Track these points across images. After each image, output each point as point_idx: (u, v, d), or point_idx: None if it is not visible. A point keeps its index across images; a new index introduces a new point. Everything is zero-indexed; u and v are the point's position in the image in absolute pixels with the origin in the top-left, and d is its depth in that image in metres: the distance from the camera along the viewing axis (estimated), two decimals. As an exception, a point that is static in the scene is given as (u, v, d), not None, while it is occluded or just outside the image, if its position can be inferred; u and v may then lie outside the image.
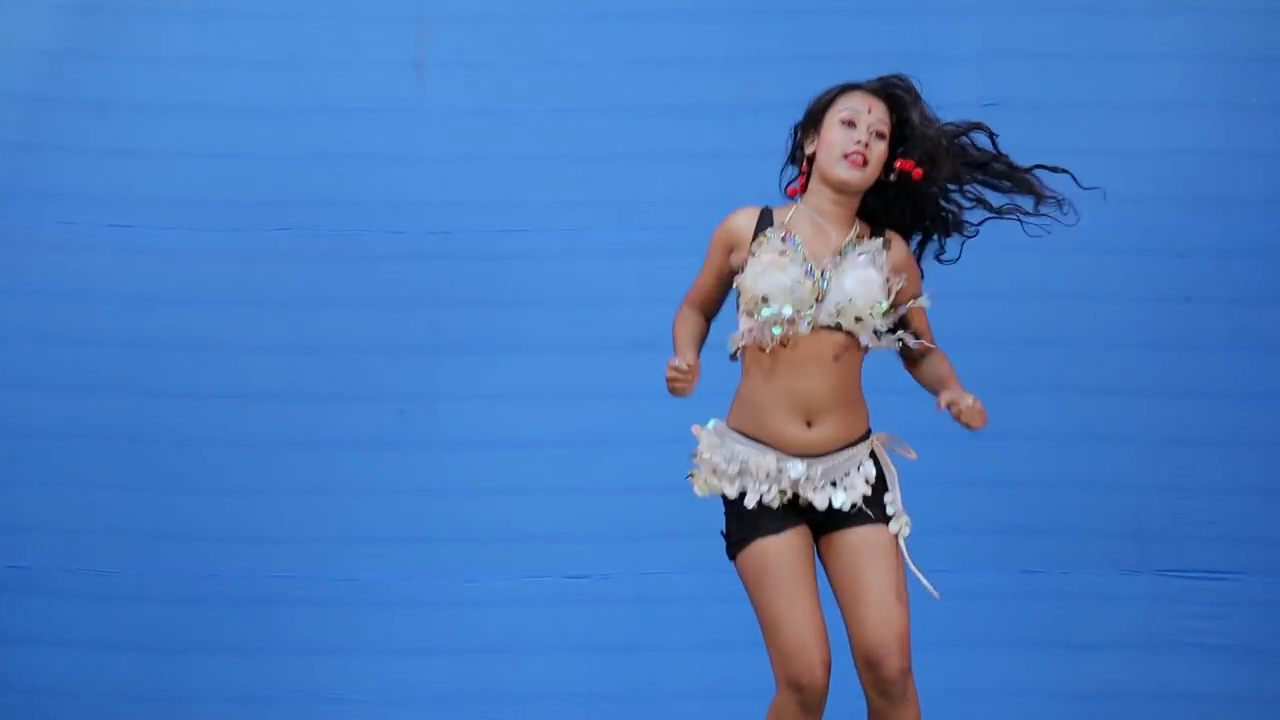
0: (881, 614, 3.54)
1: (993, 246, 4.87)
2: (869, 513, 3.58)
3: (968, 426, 3.63)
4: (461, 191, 5.23)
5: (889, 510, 3.62)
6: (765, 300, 3.54)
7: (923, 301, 3.70)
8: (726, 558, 3.68)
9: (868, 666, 3.54)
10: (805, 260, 3.58)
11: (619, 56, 5.21)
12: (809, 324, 3.52)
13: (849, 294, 3.56)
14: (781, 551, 3.51)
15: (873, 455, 3.63)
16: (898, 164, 3.63)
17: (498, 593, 5.18)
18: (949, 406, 3.60)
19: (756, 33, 5.22)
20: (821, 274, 3.57)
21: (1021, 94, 5.24)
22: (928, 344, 3.71)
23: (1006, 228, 4.97)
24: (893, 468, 3.66)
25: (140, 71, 5.27)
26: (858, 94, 3.64)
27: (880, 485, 3.62)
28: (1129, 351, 5.19)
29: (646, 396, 4.98)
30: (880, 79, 3.69)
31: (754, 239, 3.61)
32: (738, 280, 3.62)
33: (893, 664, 3.55)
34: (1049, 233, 3.97)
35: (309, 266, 5.28)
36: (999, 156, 3.88)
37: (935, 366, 3.73)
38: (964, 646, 5.13)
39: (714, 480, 3.66)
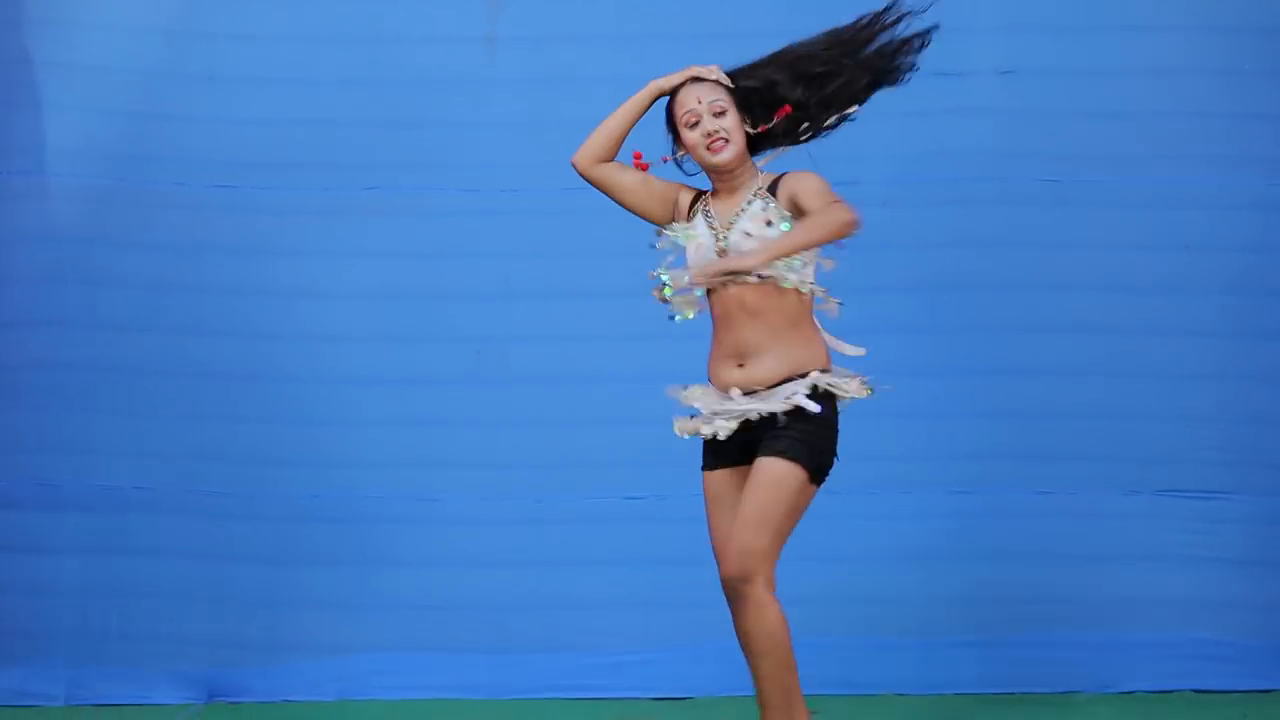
0: (737, 528, 3.66)
1: (1013, 202, 5.18)
2: (775, 444, 3.65)
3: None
4: (528, 154, 5.25)
5: (799, 438, 3.65)
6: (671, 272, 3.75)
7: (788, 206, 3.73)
8: None
9: (725, 583, 3.73)
10: (713, 229, 3.73)
11: (670, 31, 5.20)
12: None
13: (740, 248, 3.67)
14: (711, 483, 3.75)
15: (815, 389, 3.68)
16: (765, 126, 3.74)
17: (563, 512, 5.25)
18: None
19: (794, 6, 5.11)
20: (725, 235, 3.71)
21: (1034, 62, 5.27)
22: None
23: (1023, 191, 5.18)
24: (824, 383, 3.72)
25: (243, 48, 5.31)
26: (683, 91, 3.76)
27: (804, 418, 3.66)
28: (1134, 296, 5.23)
29: (697, 337, 5.14)
30: (688, 69, 3.81)
31: (689, 212, 3.80)
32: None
33: (727, 567, 3.68)
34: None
35: (392, 221, 5.32)
36: (831, 44, 3.89)
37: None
38: (984, 559, 5.22)
39: (689, 424, 3.81)
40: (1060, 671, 5.17)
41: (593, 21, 5.31)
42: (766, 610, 3.64)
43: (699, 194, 3.84)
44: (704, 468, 3.81)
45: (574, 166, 3.91)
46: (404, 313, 5.32)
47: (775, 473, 3.62)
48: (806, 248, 3.64)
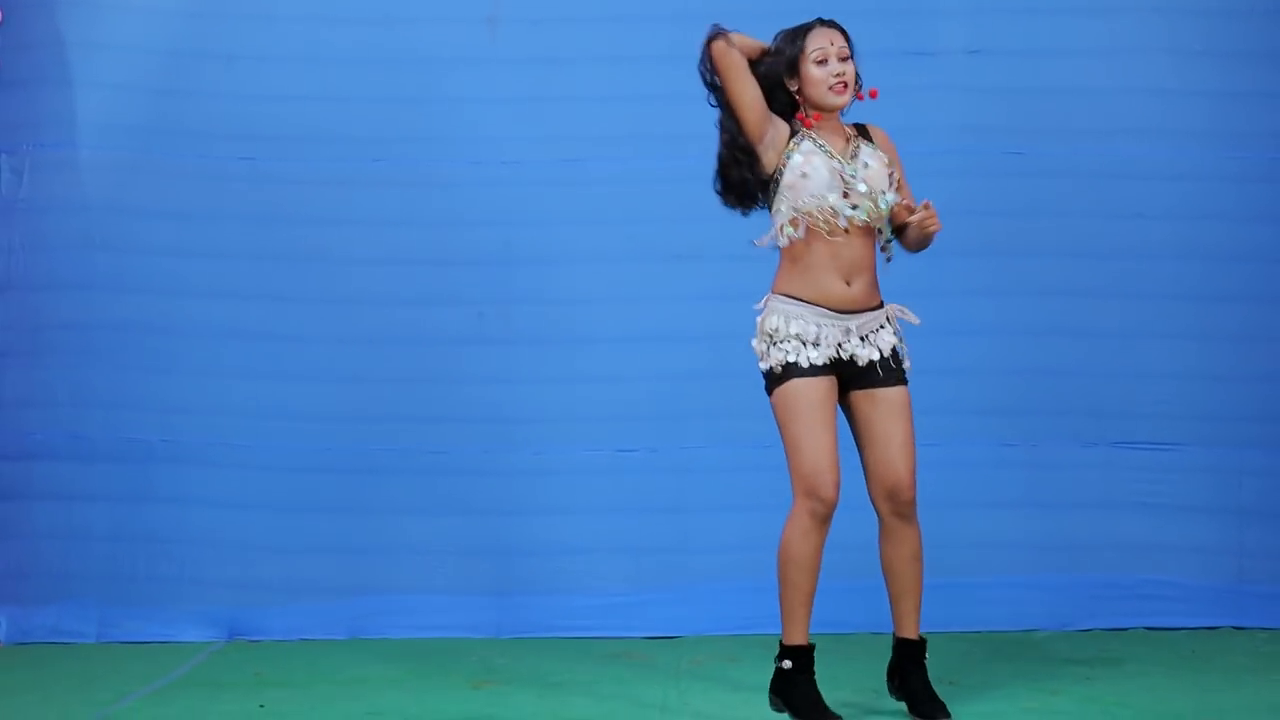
0: (903, 456, 3.98)
1: (980, 173, 5.27)
2: (893, 372, 3.95)
3: (927, 229, 3.94)
4: (528, 128, 5.33)
5: (906, 373, 4.00)
6: (830, 196, 3.86)
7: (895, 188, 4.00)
8: (765, 394, 3.97)
9: (888, 497, 3.97)
10: (833, 158, 3.93)
11: (661, 13, 5.26)
12: (851, 209, 3.89)
13: (860, 175, 3.92)
14: (814, 391, 3.87)
15: (888, 320, 4.01)
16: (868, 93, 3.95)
17: (560, 464, 5.31)
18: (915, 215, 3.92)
19: None
20: (845, 168, 3.91)
21: (1001, 42, 5.35)
22: (909, 205, 4.00)
23: (989, 163, 5.29)
24: (901, 331, 4.04)
25: (261, 28, 5.35)
26: (815, 32, 3.94)
27: (896, 351, 3.99)
28: (1091, 260, 5.32)
29: (685, 300, 5.24)
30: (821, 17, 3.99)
31: (789, 140, 3.93)
32: (789, 170, 3.88)
33: (909, 494, 3.99)
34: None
35: (401, 191, 5.37)
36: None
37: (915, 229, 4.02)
38: (951, 507, 5.19)
39: (773, 341, 3.92)
40: (1021, 611, 5.23)
41: (588, 4, 5.35)
42: (919, 528, 4.03)
43: (793, 128, 3.97)
44: (796, 374, 3.87)
45: (714, 50, 3.93)
46: (411, 277, 5.36)
47: (905, 399, 3.99)
48: (922, 245, 4.06)
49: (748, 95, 3.91)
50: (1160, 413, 5.31)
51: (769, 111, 3.95)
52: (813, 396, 3.87)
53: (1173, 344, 5.31)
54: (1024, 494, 5.29)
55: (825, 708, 3.94)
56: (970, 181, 5.32)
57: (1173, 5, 5.29)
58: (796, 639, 3.95)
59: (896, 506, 3.97)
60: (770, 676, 4.04)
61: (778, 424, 3.95)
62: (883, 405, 3.97)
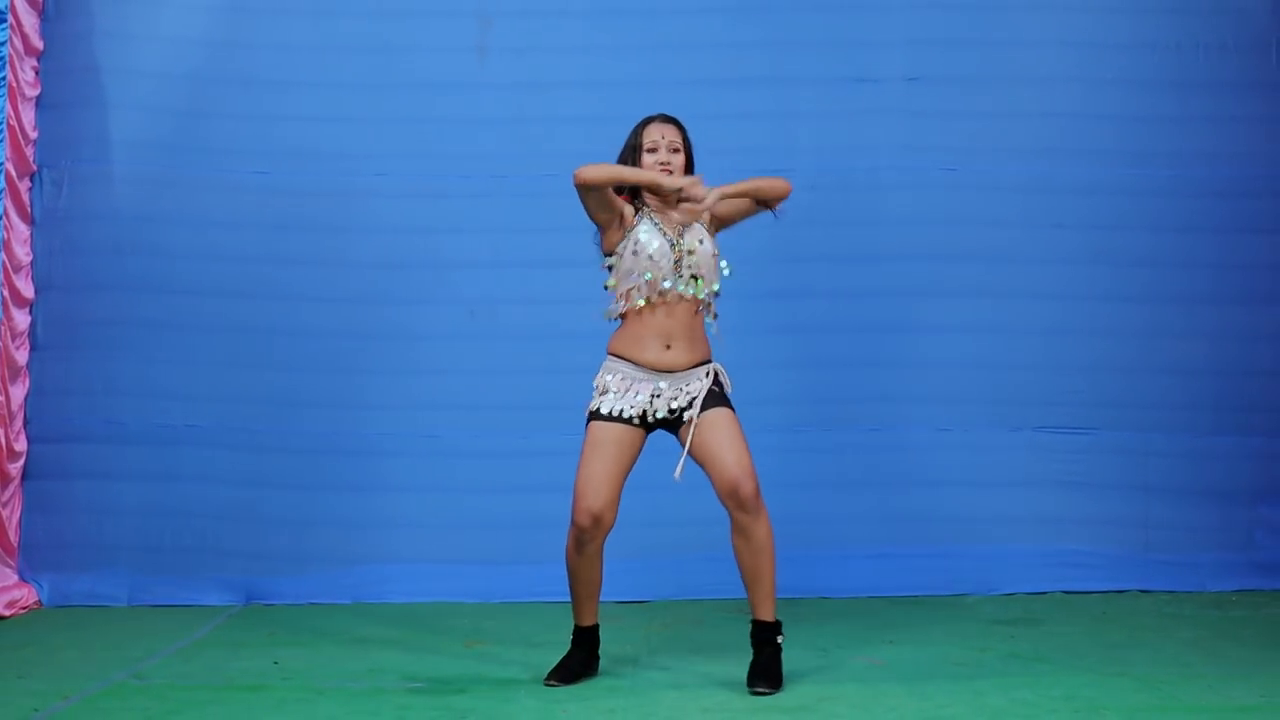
0: (735, 456, 3.94)
1: (917, 187, 5.32)
2: (713, 397, 3.94)
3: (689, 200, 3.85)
4: (513, 146, 5.37)
5: (728, 396, 3.97)
6: (649, 266, 3.88)
7: (709, 202, 3.93)
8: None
9: (730, 496, 3.92)
10: (666, 235, 3.97)
11: (632, 43, 5.37)
12: (671, 284, 3.91)
13: (700, 266, 3.95)
14: (605, 432, 3.91)
15: (710, 374, 4.01)
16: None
17: (544, 446, 5.33)
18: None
19: (731, 23, 5.36)
20: (677, 243, 3.94)
21: (936, 70, 5.43)
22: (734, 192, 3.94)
23: (925, 178, 5.31)
24: (725, 383, 4.02)
25: (274, 56, 5.41)
26: (652, 125, 4.01)
27: (719, 386, 3.99)
28: (1016, 266, 5.41)
29: None
30: (660, 115, 4.02)
31: (634, 217, 3.98)
32: (621, 248, 3.91)
33: (749, 487, 3.93)
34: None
35: (399, 203, 5.42)
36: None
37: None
38: (888, 486, 5.36)
39: (597, 390, 3.98)
40: (952, 578, 5.33)
41: (568, 35, 5.40)
42: (769, 519, 3.95)
43: (635, 206, 4.04)
44: (600, 418, 3.95)
45: (578, 179, 3.98)
46: (409, 279, 5.40)
47: (729, 416, 3.94)
48: (757, 193, 3.98)
49: (606, 206, 3.98)
50: (1076, 401, 5.39)
51: (615, 204, 3.97)
52: (601, 436, 3.91)
53: (1086, 340, 5.39)
54: (956, 473, 5.35)
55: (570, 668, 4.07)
56: (909, 195, 5.41)
57: (1086, 39, 5.41)
58: (585, 621, 4.12)
59: (740, 503, 3.93)
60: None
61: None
62: (705, 426, 3.94)
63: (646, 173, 3.96)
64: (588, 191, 3.96)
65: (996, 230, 5.43)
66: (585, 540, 3.91)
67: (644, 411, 3.95)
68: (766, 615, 3.99)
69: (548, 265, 5.38)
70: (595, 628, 4.09)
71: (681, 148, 4.03)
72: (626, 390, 3.96)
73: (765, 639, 4.01)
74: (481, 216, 5.41)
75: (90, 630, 4.92)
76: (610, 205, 3.98)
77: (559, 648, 4.46)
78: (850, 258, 5.41)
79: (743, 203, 4.08)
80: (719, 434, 3.94)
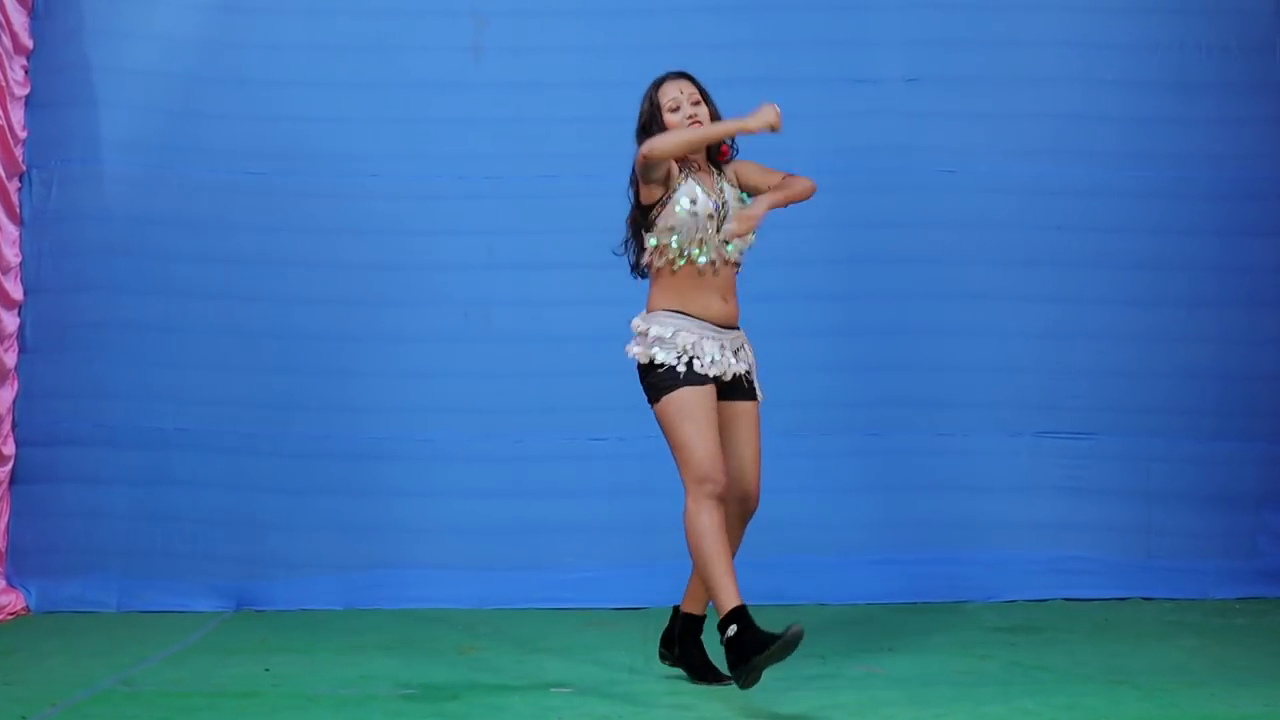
0: (755, 468, 3.97)
1: (918, 189, 5.34)
2: (750, 389, 3.93)
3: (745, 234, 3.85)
4: (509, 147, 5.37)
5: (758, 390, 3.99)
6: (708, 224, 3.83)
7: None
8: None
9: (741, 501, 3.98)
10: (710, 195, 3.92)
11: (629, 43, 5.35)
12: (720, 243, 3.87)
13: (733, 207, 3.92)
14: (703, 397, 3.83)
15: (745, 343, 4.01)
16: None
17: (537, 451, 5.37)
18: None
19: (728, 24, 5.36)
20: (722, 205, 3.91)
21: (934, 71, 5.42)
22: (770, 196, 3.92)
23: (925, 179, 5.36)
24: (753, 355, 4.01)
25: (267, 55, 5.42)
26: (667, 84, 3.96)
27: (750, 369, 3.98)
28: (1016, 268, 5.40)
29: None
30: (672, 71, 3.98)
31: (679, 174, 3.92)
32: (668, 203, 3.85)
33: (755, 504, 4.01)
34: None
35: (393, 204, 5.42)
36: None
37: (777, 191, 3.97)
38: (892, 490, 5.38)
39: (655, 349, 3.85)
40: (954, 584, 5.33)
41: (564, 34, 5.42)
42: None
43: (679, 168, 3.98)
44: (683, 383, 3.82)
45: (653, 154, 3.86)
46: (403, 280, 5.39)
47: (757, 413, 3.97)
48: (791, 202, 3.96)
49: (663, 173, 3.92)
50: (1078, 405, 5.40)
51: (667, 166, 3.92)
52: (700, 400, 3.82)
53: (1088, 344, 5.41)
54: (957, 478, 5.37)
55: (775, 638, 3.73)
56: (907, 196, 5.42)
57: (1087, 39, 5.41)
58: (732, 602, 3.83)
59: (743, 511, 3.98)
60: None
61: (666, 425, 3.88)
62: (740, 416, 3.94)
63: (725, 125, 3.90)
64: (658, 165, 3.89)
65: (996, 232, 5.44)
66: (722, 495, 3.82)
67: (724, 370, 3.90)
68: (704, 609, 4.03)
69: (544, 267, 5.40)
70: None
71: (701, 98, 4.01)
72: (694, 344, 3.87)
73: (698, 634, 4.11)
74: (477, 218, 5.42)
75: (79, 636, 4.93)
76: (667, 171, 3.95)
77: (553, 654, 4.45)
78: (848, 260, 5.43)
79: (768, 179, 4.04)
80: (749, 433, 3.96)
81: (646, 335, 3.92)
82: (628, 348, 3.97)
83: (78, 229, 5.40)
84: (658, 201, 3.95)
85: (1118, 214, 5.43)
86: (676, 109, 3.97)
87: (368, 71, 5.43)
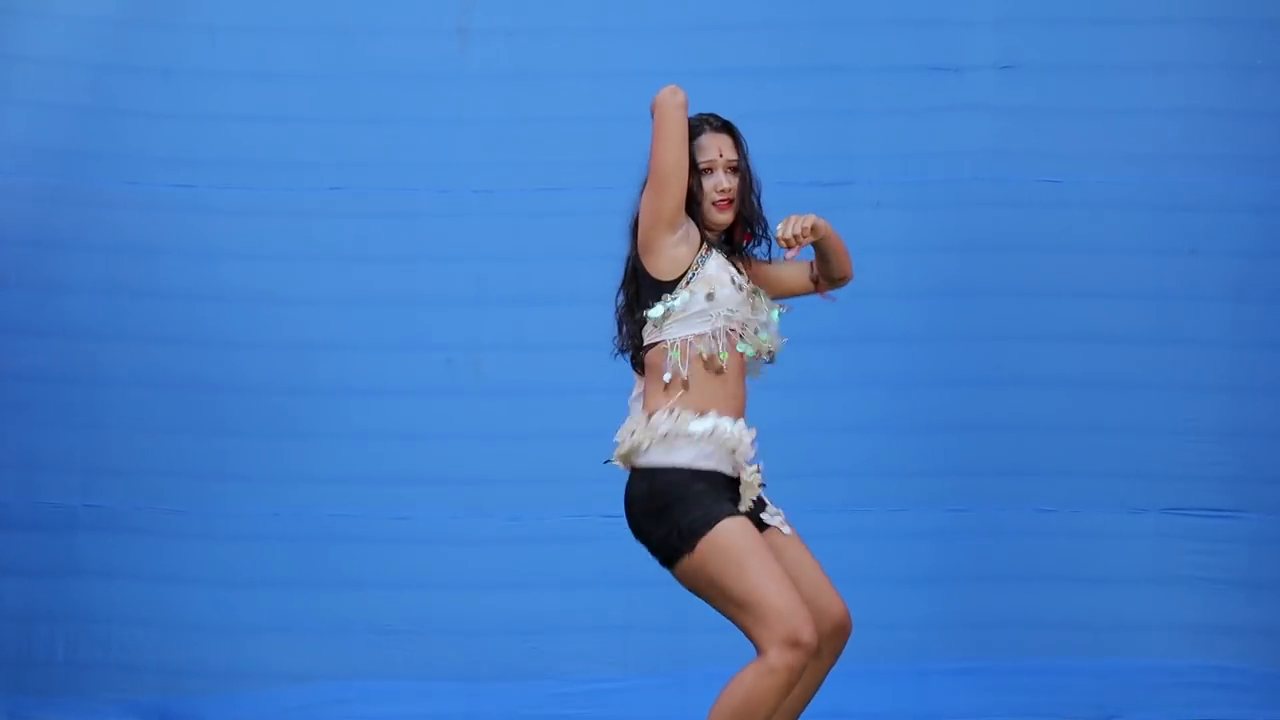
0: (828, 581, 3.55)
1: (1012, 203, 5.09)
2: (761, 500, 3.56)
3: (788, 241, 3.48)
4: (502, 152, 5.23)
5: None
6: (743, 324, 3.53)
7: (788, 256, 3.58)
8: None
9: (836, 635, 3.53)
10: (734, 281, 3.53)
11: (651, 23, 5.21)
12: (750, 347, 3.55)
13: (770, 336, 3.61)
14: (750, 528, 3.39)
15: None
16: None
17: (539, 531, 5.17)
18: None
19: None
20: (751, 294, 3.55)
21: (1034, 57, 5.25)
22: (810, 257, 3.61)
23: (1022, 192, 5.11)
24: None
25: (200, 40, 5.26)
26: (706, 135, 3.53)
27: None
28: (1137, 302, 5.16)
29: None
30: (711, 116, 3.58)
31: (699, 248, 3.51)
32: (690, 276, 3.47)
33: (850, 622, 3.57)
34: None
35: (360, 223, 5.25)
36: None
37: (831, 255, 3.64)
38: (981, 580, 5.18)
39: (669, 451, 3.46)
40: (1062, 700, 5.11)
41: (570, 13, 5.29)
42: None
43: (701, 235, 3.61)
44: (725, 512, 3.43)
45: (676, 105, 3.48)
46: (371, 319, 5.25)
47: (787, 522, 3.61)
48: (841, 247, 3.60)
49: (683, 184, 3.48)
50: (1218, 475, 5.13)
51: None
52: (751, 534, 3.39)
53: (1231, 396, 5.15)
54: (1064, 566, 5.14)
55: None
56: (999, 212, 5.20)
57: (1230, 16, 5.15)
58: None
59: (838, 646, 3.53)
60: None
61: (714, 575, 3.43)
62: (792, 546, 3.54)
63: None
64: (672, 135, 3.42)
65: (1111, 257, 5.16)
66: (809, 662, 3.44)
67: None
68: None
69: (544, 303, 5.24)
70: None
71: (737, 162, 3.54)
72: (712, 456, 3.48)
73: None
74: (461, 241, 5.27)
75: (-47, 772, 4.70)
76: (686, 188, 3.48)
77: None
78: (925, 292, 5.23)
79: (796, 270, 3.66)
80: (797, 546, 3.55)
81: (669, 435, 3.49)
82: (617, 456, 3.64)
83: (-44, 256, 5.24)
84: (683, 274, 3.49)
85: (1270, 234, 5.12)
86: (710, 170, 3.50)
87: (326, 59, 5.28)
